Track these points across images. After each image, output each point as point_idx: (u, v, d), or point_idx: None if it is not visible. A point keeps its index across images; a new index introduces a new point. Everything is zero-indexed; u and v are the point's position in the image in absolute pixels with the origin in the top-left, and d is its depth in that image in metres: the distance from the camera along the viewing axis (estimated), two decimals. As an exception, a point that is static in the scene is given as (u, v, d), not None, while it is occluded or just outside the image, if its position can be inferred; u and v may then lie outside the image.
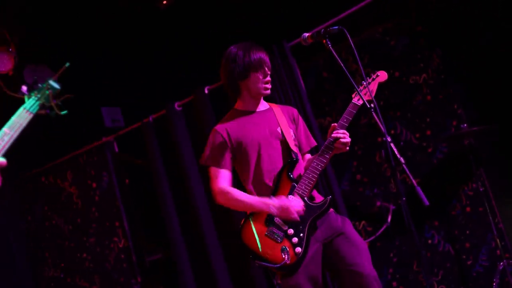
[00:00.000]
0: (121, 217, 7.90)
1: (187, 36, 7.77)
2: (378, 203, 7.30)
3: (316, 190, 4.49)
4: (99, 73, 7.87)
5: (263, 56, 4.42)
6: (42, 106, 3.26)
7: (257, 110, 4.55)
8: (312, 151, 4.70)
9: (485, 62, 6.89)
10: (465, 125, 6.58)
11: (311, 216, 4.29)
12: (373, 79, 4.52)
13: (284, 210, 4.23)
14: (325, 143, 4.32)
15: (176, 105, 7.45)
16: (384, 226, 7.09)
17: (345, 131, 4.30)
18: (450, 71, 7.09)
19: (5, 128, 3.14)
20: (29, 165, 8.57)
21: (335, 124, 4.31)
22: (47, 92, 3.26)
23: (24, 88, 3.25)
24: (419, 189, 3.75)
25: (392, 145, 3.86)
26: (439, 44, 7.09)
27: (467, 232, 6.91)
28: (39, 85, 3.28)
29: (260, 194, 4.36)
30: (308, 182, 4.30)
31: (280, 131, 4.46)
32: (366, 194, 7.48)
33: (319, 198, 4.42)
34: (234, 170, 4.54)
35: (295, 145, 4.51)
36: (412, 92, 7.19)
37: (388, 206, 7.24)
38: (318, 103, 7.66)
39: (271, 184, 4.37)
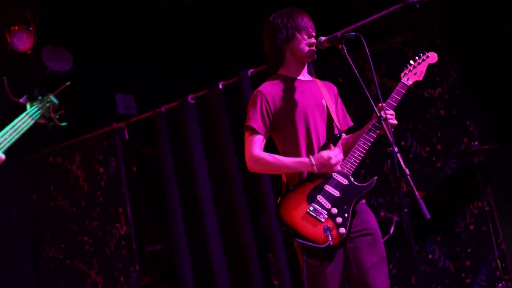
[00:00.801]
0: (125, 204, 7.91)
1: (207, 31, 7.77)
2: (382, 213, 7.28)
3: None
4: (117, 60, 7.89)
5: (306, 18, 4.34)
6: (42, 116, 3.44)
7: (302, 78, 4.41)
8: (347, 132, 4.56)
9: (501, 82, 6.88)
10: (476, 142, 6.57)
11: (357, 196, 4.15)
12: (423, 60, 4.44)
13: (324, 163, 4.09)
14: (373, 121, 4.19)
15: (189, 97, 7.45)
16: (386, 237, 7.06)
17: (393, 112, 4.20)
18: (466, 88, 7.08)
19: (8, 128, 3.29)
20: (38, 144, 8.58)
21: (383, 104, 4.15)
22: (47, 104, 3.44)
23: (25, 97, 3.42)
24: (421, 202, 3.70)
25: (398, 155, 3.81)
26: (458, 60, 7.07)
27: (469, 250, 6.90)
28: (40, 97, 3.45)
29: None
30: (354, 160, 4.17)
31: (324, 104, 4.33)
32: (371, 203, 7.47)
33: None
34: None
35: (338, 121, 4.42)
36: (426, 105, 7.18)
37: (392, 217, 7.23)
38: (332, 108, 7.67)
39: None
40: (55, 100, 3.51)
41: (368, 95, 4.00)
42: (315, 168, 4.09)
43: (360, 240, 4.18)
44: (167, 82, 8.07)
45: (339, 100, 4.55)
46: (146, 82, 8.20)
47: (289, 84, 4.32)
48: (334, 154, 4.12)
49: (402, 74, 4.38)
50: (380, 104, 4.14)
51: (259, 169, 4.28)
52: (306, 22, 4.30)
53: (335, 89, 4.57)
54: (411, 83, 4.37)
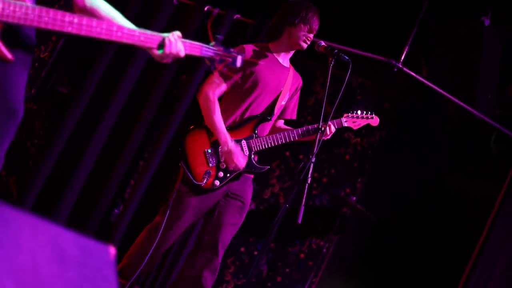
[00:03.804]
0: (60, 37, 7.95)
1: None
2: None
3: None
4: None
5: (317, 19, 4.84)
6: (210, 58, 3.42)
7: (282, 61, 4.93)
8: (288, 123, 5.18)
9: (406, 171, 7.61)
10: (354, 198, 7.22)
11: (245, 169, 4.77)
12: (367, 118, 5.10)
13: (230, 156, 4.67)
14: (310, 127, 4.84)
15: None
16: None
17: (334, 131, 4.92)
18: (379, 156, 7.73)
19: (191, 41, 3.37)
20: None
21: (333, 120, 4.91)
22: (222, 59, 3.47)
23: (220, 36, 3.49)
24: (302, 208, 4.25)
25: (312, 165, 4.37)
26: (388, 131, 7.71)
27: (287, 270, 7.54)
28: (225, 48, 3.50)
29: (223, 116, 4.74)
30: (266, 143, 4.80)
31: (280, 92, 4.88)
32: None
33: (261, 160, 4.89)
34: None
35: (280, 109, 4.97)
36: (339, 142, 7.74)
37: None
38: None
39: (237, 119, 4.80)
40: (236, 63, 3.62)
41: (324, 107, 4.52)
42: (225, 148, 4.67)
43: (233, 201, 4.87)
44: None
45: (298, 93, 5.11)
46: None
47: (269, 60, 4.87)
48: (242, 160, 4.71)
49: (345, 114, 4.98)
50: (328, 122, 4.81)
51: (201, 105, 4.77)
52: (315, 21, 4.84)
53: (300, 82, 5.13)
54: (345, 126, 4.97)
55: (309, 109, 7.71)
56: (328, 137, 4.86)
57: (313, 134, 4.71)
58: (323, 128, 4.56)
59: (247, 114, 4.82)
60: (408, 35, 6.75)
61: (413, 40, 6.79)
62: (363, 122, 5.09)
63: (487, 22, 6.95)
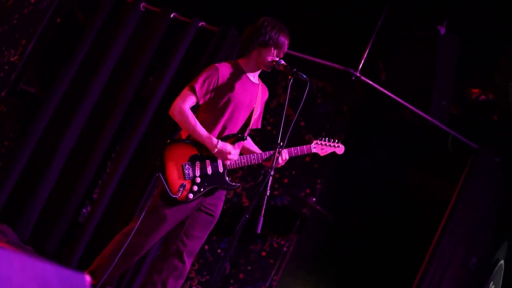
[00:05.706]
0: (30, 40, 8.01)
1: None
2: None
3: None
4: None
5: (287, 42, 5.05)
6: None
7: (252, 79, 5.14)
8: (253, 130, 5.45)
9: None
10: (314, 199, 7.49)
11: (217, 184, 5.01)
12: (334, 146, 5.36)
13: (223, 152, 4.91)
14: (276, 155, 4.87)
15: (142, 5, 7.48)
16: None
17: (287, 158, 5.16)
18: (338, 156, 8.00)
19: None
20: None
21: (285, 149, 5.12)
22: None
23: None
24: (261, 219, 4.52)
25: (271, 178, 4.63)
26: (347, 133, 7.99)
27: (249, 268, 7.81)
28: None
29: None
30: (240, 162, 5.05)
31: (252, 109, 5.14)
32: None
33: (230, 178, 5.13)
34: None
35: (252, 125, 5.24)
36: (300, 144, 7.98)
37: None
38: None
39: (215, 137, 4.97)
40: None
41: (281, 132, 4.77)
42: (215, 150, 4.92)
43: (203, 214, 5.13)
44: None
45: (263, 105, 5.37)
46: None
47: (241, 78, 5.08)
48: (234, 153, 4.99)
49: (314, 141, 5.28)
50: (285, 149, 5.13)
51: (177, 119, 4.98)
52: (285, 44, 5.06)
53: (267, 95, 5.38)
54: (313, 152, 5.27)
55: (271, 111, 7.97)
56: (283, 163, 5.19)
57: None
58: (280, 148, 4.80)
59: (224, 133, 5.04)
60: (367, 44, 7.01)
61: (372, 46, 7.04)
62: (329, 150, 5.37)
63: (442, 31, 7.22)
